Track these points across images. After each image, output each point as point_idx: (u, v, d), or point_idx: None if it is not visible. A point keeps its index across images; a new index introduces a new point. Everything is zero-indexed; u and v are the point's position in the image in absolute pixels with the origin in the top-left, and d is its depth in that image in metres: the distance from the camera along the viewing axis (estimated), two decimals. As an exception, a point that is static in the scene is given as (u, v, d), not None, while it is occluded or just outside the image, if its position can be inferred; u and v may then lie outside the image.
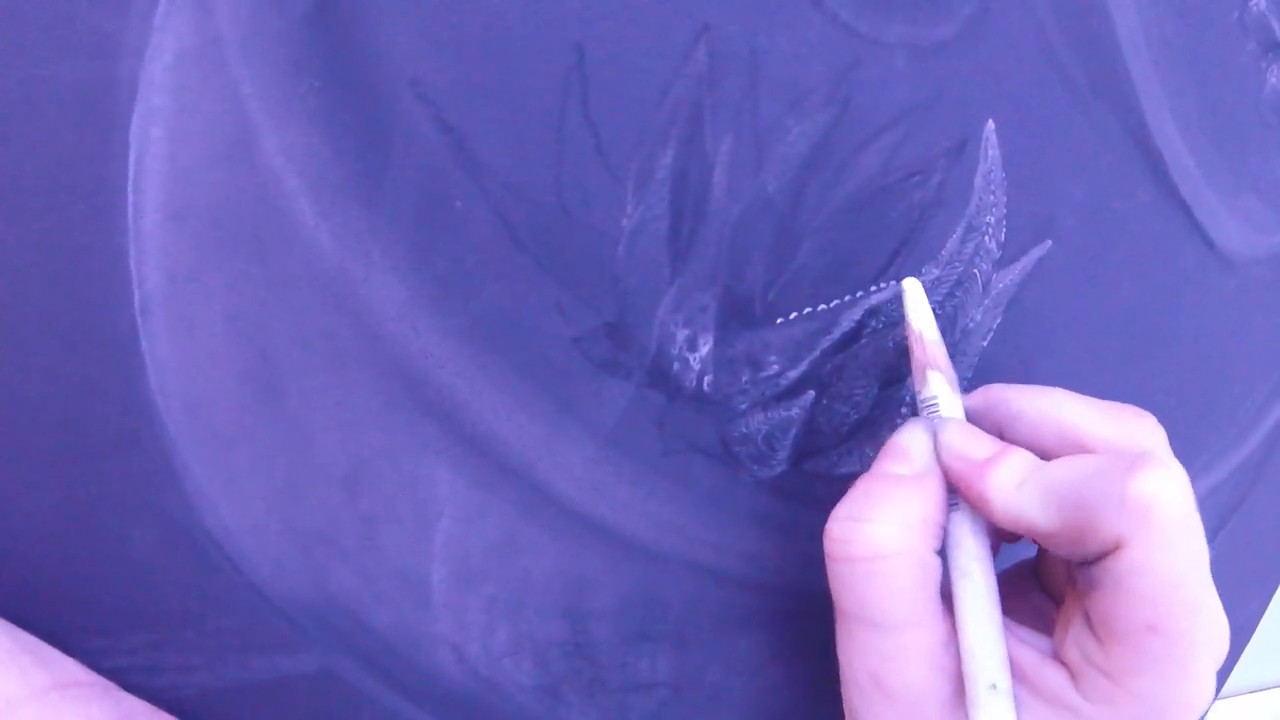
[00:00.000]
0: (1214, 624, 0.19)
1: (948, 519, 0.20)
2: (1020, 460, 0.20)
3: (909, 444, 0.21)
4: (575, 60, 0.20)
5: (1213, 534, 0.33)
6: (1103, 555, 0.18)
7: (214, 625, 0.21)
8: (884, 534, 0.19)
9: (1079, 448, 0.20)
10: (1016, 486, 0.19)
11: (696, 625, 0.24)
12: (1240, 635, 0.38)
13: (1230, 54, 0.27)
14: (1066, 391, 0.21)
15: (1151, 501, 0.18)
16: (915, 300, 0.22)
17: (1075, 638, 0.19)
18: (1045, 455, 0.20)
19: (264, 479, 0.20)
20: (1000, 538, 0.22)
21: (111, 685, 0.20)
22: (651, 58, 0.20)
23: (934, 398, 0.21)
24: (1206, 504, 0.32)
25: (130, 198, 0.18)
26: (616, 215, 0.20)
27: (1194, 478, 0.31)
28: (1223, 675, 0.38)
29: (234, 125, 0.19)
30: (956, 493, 0.20)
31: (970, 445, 0.20)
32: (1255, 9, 0.27)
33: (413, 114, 0.19)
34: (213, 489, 0.20)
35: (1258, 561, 0.36)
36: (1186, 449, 0.31)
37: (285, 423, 0.20)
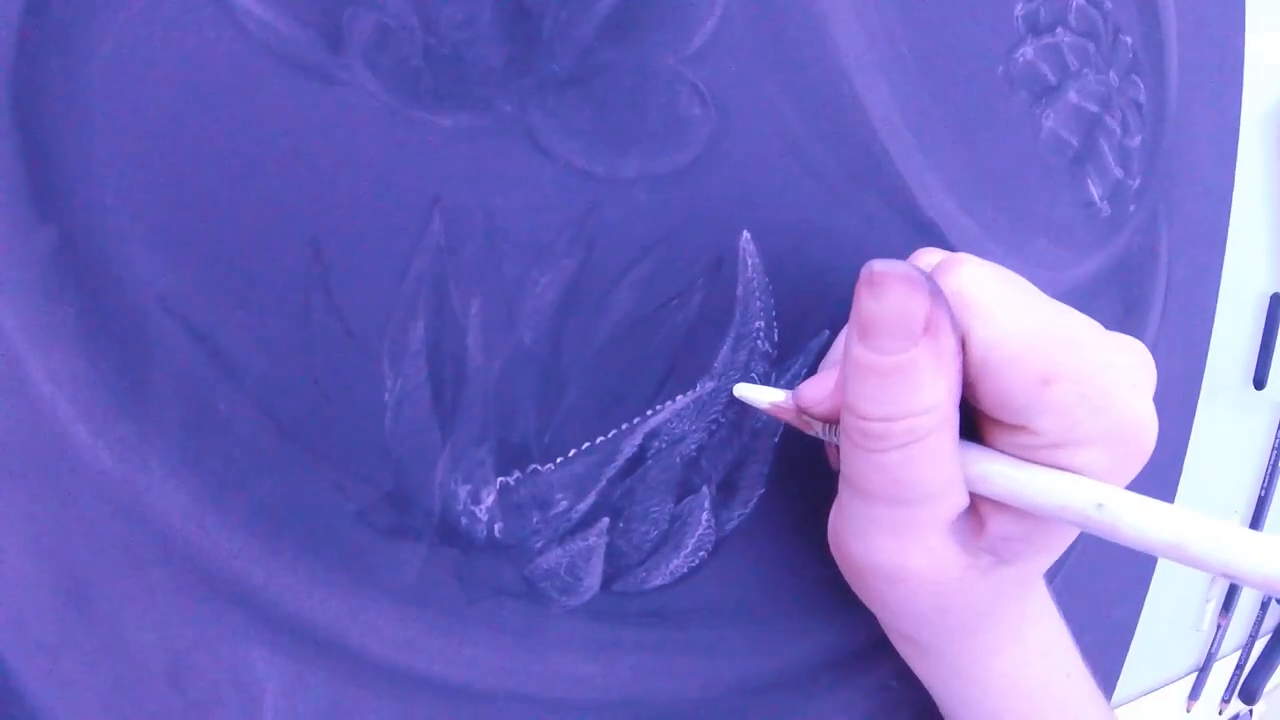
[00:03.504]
0: (1109, 356, 0.21)
1: None
2: None
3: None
4: (312, 251, 0.21)
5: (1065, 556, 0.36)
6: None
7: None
8: (934, 399, 0.20)
9: None
10: None
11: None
12: (1117, 644, 0.40)
13: (999, 108, 0.29)
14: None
15: (959, 288, 0.20)
16: (751, 396, 0.25)
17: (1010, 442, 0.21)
18: None
19: (92, 681, 0.22)
20: None
21: None
22: (387, 236, 0.22)
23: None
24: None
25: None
26: (377, 391, 0.22)
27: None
28: (1109, 682, 0.41)
29: (1, 357, 0.20)
30: None
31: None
32: (1022, 59, 0.29)
33: (164, 327, 0.21)
34: (48, 696, 0.22)
35: (1121, 572, 0.39)
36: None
37: (101, 628, 0.21)
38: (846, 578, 0.25)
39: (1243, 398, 0.43)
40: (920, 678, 0.29)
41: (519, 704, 0.25)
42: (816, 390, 0.23)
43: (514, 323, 0.23)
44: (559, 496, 0.24)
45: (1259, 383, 0.42)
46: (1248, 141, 0.38)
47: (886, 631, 0.28)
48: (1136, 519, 0.20)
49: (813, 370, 0.27)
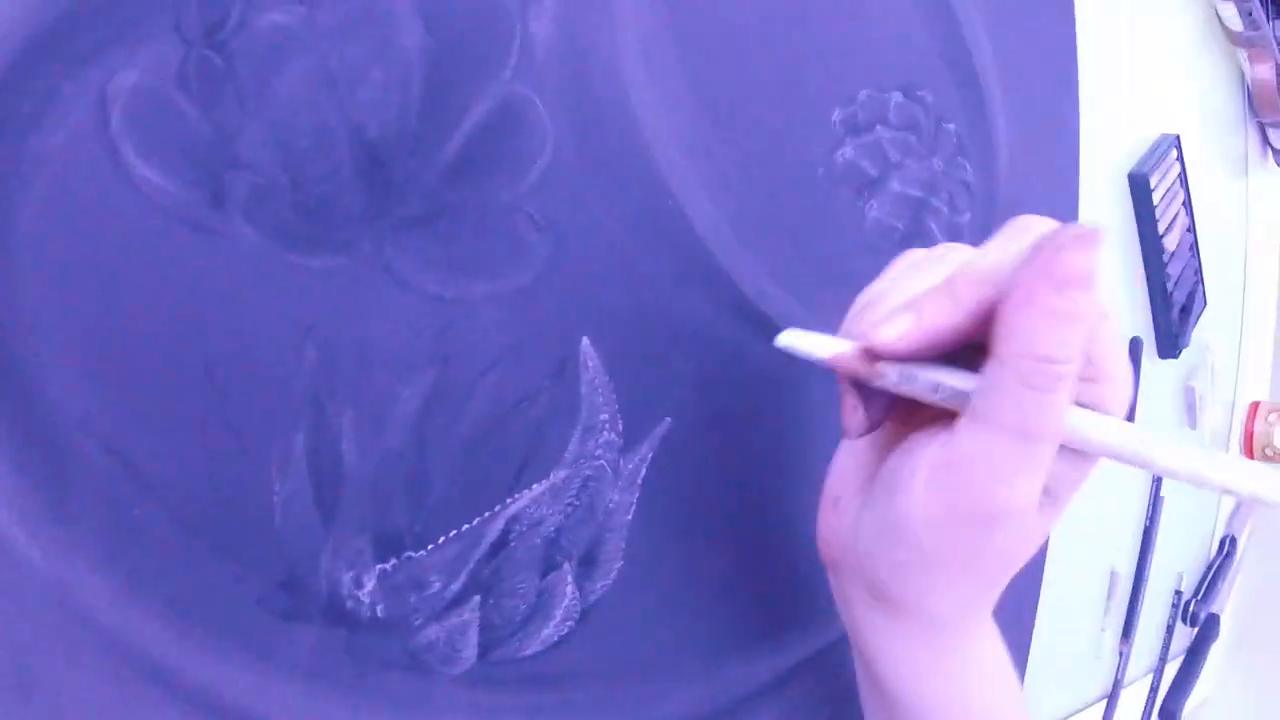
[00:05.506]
0: None
1: None
2: None
3: None
4: (207, 378, 0.29)
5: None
6: None
7: None
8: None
9: None
10: None
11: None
12: None
13: (822, 205, 0.38)
14: None
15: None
16: (804, 346, 0.32)
17: None
18: None
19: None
20: None
21: None
22: (270, 363, 0.30)
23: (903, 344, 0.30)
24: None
25: None
26: (267, 494, 0.30)
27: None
28: None
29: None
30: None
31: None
32: (842, 159, 0.38)
33: (84, 445, 0.29)
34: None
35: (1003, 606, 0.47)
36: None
37: (41, 711, 0.29)
38: (921, 538, 0.30)
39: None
40: (882, 676, 0.34)
41: (410, 768, 0.33)
42: (898, 328, 0.29)
43: (382, 430, 0.31)
44: (433, 578, 0.32)
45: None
46: (1103, 205, 0.47)
47: (878, 623, 0.34)
48: (1167, 454, 0.28)
49: (660, 454, 0.35)
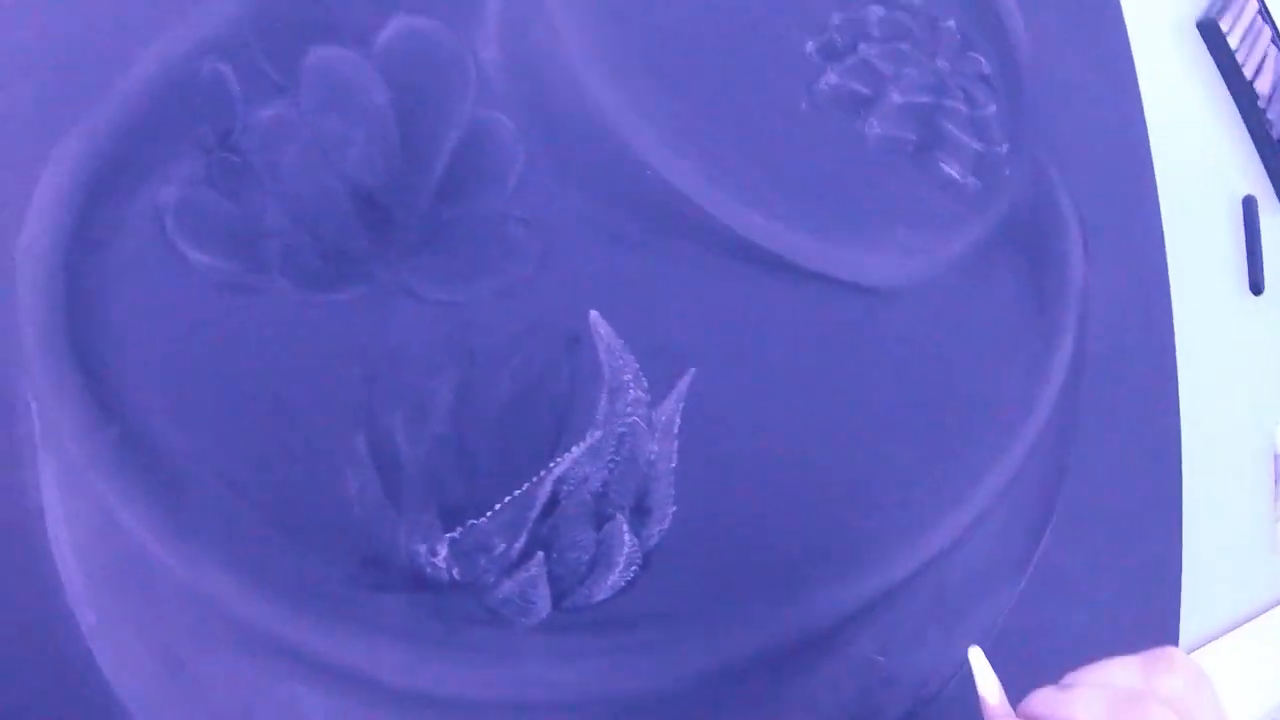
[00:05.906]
0: None
1: None
2: None
3: None
4: (279, 407, 0.36)
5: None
6: None
7: None
8: None
9: None
10: None
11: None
12: (1165, 581, 0.46)
13: (814, 136, 0.39)
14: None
15: None
16: (978, 672, 0.35)
17: None
18: None
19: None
20: None
21: None
22: (323, 383, 0.36)
23: None
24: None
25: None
26: (344, 490, 0.36)
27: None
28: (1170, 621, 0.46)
29: (100, 510, 0.36)
30: None
31: None
32: (826, 86, 0.39)
33: (203, 477, 0.36)
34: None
35: (1141, 513, 0.44)
36: (939, 478, 0.41)
37: (189, 686, 0.36)
38: None
39: (1241, 304, 0.47)
40: None
41: (510, 711, 0.37)
42: None
43: (426, 421, 0.36)
44: (496, 541, 0.36)
45: (1255, 288, 0.46)
46: (1176, 53, 0.43)
47: None
48: None
49: (692, 403, 0.38)
